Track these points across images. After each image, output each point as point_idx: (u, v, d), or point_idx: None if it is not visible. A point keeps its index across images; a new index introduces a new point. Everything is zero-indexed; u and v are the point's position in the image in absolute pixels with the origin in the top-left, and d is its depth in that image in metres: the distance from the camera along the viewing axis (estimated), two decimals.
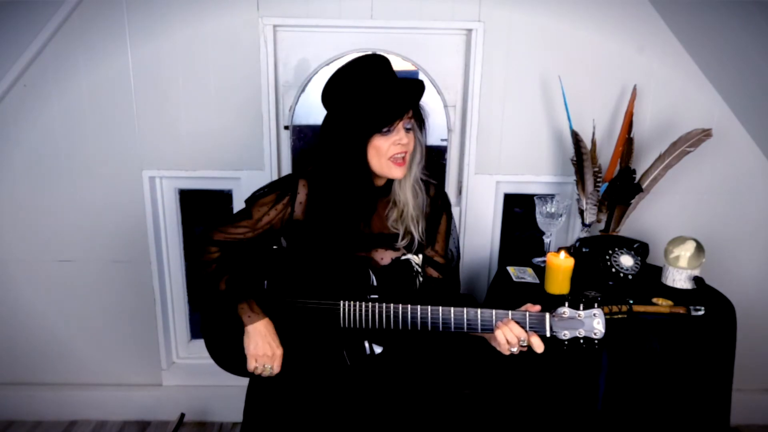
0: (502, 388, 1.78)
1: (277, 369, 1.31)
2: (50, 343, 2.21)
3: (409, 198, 1.37)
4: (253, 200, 1.37)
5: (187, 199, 2.18)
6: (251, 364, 1.30)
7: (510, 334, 1.17)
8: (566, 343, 1.18)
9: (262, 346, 1.29)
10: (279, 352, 1.30)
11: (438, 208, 1.44)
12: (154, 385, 2.26)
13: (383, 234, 1.38)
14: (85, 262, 2.12)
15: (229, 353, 1.38)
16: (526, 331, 1.18)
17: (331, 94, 1.31)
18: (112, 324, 2.19)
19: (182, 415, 2.20)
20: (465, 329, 1.22)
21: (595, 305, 1.18)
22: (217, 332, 1.38)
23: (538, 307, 1.21)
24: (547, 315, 1.18)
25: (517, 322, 1.19)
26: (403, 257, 1.38)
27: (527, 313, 1.19)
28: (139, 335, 2.21)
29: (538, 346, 1.17)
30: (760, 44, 1.69)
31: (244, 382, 1.45)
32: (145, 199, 2.05)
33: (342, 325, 1.28)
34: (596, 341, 1.17)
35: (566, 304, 1.19)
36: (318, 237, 1.33)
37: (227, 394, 2.16)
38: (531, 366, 1.64)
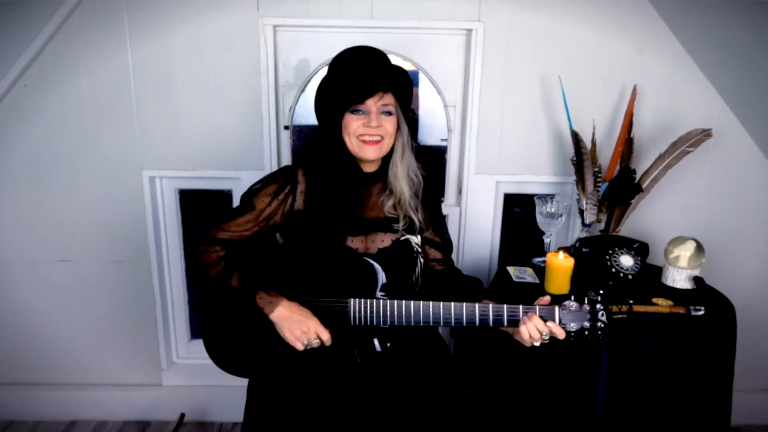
0: (504, 388, 1.78)
1: (325, 336, 1.26)
2: (50, 343, 2.21)
3: (404, 188, 1.41)
4: (252, 193, 1.38)
5: (187, 199, 2.18)
6: (299, 347, 1.26)
7: (533, 330, 1.21)
8: (572, 335, 1.23)
9: (296, 327, 1.25)
10: (312, 323, 1.26)
11: (427, 194, 1.49)
12: (154, 385, 2.26)
13: (380, 219, 1.40)
14: (85, 262, 2.12)
15: (228, 354, 1.38)
16: (545, 324, 1.22)
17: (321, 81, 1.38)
18: (112, 324, 2.19)
19: (182, 415, 2.20)
20: (477, 324, 1.25)
21: (598, 297, 1.24)
22: (217, 332, 1.38)
23: (548, 298, 1.26)
24: (557, 308, 1.23)
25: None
26: (402, 238, 1.40)
27: (537, 307, 1.23)
28: (139, 335, 2.21)
29: (560, 333, 1.22)
30: (760, 44, 1.69)
31: (245, 382, 1.45)
32: (145, 199, 2.05)
33: (352, 323, 1.28)
34: (600, 332, 1.23)
35: (572, 297, 1.24)
36: (315, 224, 1.35)
37: (227, 394, 2.16)
38: (532, 365, 1.64)
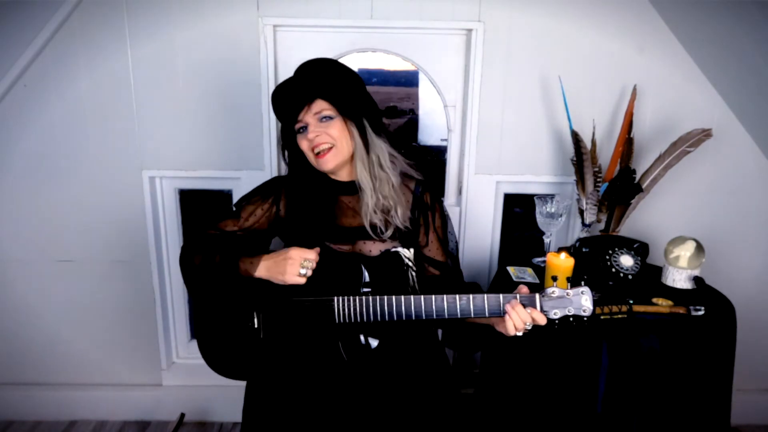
0: (504, 388, 1.78)
1: (312, 255, 1.24)
2: (50, 343, 2.21)
3: (366, 186, 1.36)
4: (240, 203, 1.44)
5: (187, 199, 2.19)
6: (300, 281, 1.24)
7: (517, 319, 1.18)
8: (557, 322, 1.19)
9: (284, 265, 1.23)
10: (293, 251, 1.24)
11: (425, 205, 1.42)
12: (154, 385, 2.26)
13: (362, 227, 1.38)
14: (85, 262, 2.12)
15: (222, 357, 1.37)
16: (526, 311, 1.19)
17: None
18: (111, 324, 2.19)
19: (182, 415, 2.21)
20: (459, 316, 1.22)
21: (582, 283, 1.20)
22: (211, 336, 1.37)
23: (527, 289, 1.22)
24: (537, 295, 1.20)
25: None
26: (393, 249, 1.37)
27: (518, 295, 1.20)
28: (139, 335, 2.21)
29: (541, 319, 1.18)
30: (760, 44, 1.69)
31: (244, 382, 1.45)
32: (145, 199, 2.05)
33: (337, 320, 1.28)
34: (585, 318, 1.19)
35: (554, 284, 1.21)
36: (299, 232, 1.38)
37: (227, 394, 2.16)
38: (532, 366, 1.64)
